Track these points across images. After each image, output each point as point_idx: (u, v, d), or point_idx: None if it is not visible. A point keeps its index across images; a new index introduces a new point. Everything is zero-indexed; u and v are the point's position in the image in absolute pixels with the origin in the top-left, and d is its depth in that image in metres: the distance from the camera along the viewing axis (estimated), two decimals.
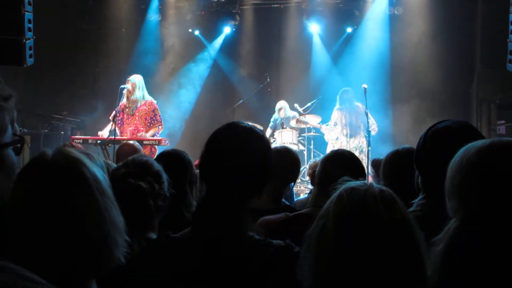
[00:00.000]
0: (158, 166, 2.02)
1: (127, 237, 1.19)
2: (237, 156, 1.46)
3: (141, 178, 1.92)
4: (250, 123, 1.58)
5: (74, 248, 1.08)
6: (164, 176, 2.02)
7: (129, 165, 1.98)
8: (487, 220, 1.12)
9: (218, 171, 1.48)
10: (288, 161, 2.78)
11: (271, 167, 1.54)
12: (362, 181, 1.19)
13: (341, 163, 2.32)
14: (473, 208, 1.15)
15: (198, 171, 1.85)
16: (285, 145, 5.29)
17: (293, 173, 2.85)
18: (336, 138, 8.09)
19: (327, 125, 8.42)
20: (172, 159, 2.46)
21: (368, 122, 7.11)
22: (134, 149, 3.98)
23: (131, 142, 4.30)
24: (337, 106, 8.11)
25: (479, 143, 1.21)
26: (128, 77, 6.82)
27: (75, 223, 1.08)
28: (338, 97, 8.10)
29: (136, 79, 6.76)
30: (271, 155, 1.56)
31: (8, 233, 1.08)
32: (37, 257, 1.05)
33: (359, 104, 7.89)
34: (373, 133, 7.47)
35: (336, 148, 7.91)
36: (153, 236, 1.93)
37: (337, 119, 8.09)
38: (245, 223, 1.44)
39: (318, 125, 8.68)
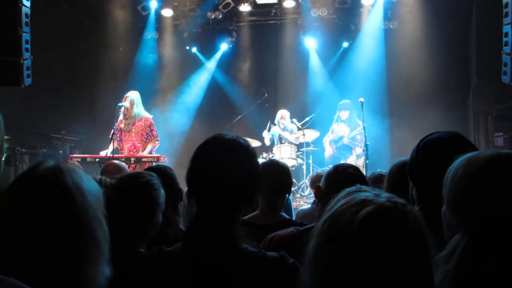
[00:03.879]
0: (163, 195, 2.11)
1: (114, 250, 1.19)
2: (221, 168, 1.46)
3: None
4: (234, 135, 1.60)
5: (53, 261, 1.06)
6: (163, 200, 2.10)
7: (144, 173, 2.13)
8: (498, 235, 1.09)
9: (205, 184, 1.47)
10: (275, 172, 2.73)
11: (258, 177, 1.53)
12: (382, 194, 1.03)
13: (344, 179, 2.25)
14: (482, 223, 1.11)
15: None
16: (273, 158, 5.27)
17: (283, 184, 2.78)
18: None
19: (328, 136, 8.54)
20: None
21: (365, 136, 7.12)
22: (118, 168, 3.91)
23: (116, 161, 4.27)
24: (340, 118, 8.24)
25: (481, 155, 1.19)
26: (126, 94, 6.88)
27: (55, 236, 1.07)
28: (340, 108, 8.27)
29: (134, 95, 6.83)
30: (257, 165, 1.55)
31: None
32: (13, 271, 1.02)
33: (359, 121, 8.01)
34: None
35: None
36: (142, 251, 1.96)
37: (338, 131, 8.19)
38: (237, 236, 1.43)
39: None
